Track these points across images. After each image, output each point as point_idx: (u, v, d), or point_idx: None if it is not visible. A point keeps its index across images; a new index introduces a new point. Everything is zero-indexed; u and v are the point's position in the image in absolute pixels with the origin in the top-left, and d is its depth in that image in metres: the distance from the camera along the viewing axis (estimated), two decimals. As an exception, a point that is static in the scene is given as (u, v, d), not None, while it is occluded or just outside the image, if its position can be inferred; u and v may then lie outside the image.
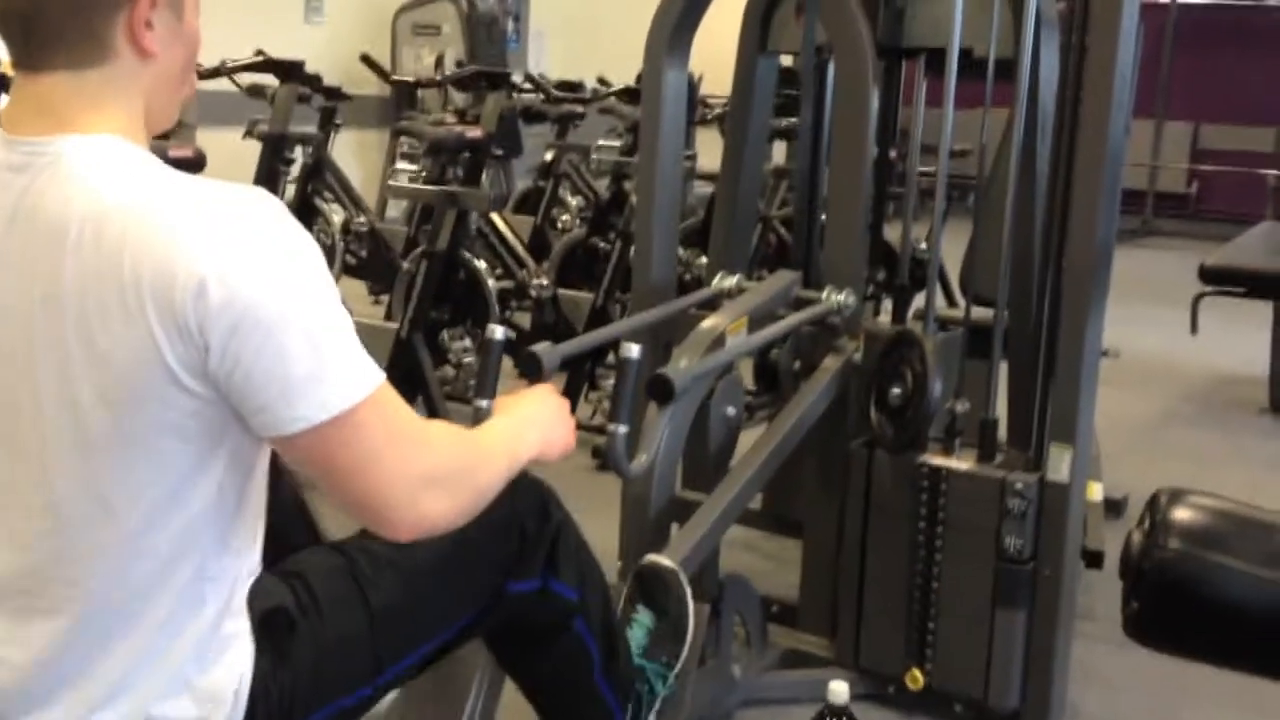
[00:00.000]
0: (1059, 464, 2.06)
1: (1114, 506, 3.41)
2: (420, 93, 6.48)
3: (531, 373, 1.81)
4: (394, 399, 1.21)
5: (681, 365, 1.95)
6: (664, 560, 1.82)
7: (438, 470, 1.25)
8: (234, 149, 4.73)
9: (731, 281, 2.44)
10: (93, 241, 1.13)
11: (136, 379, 1.13)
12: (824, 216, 2.47)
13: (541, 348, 1.86)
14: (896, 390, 2.16)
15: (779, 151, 5.76)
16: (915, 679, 2.19)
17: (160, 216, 1.13)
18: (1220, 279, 4.65)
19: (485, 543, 1.51)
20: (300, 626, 1.35)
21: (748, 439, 2.20)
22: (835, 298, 2.28)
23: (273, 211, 1.17)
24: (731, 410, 2.17)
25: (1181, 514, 1.26)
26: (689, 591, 1.80)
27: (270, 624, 1.33)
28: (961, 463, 2.16)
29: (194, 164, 4.21)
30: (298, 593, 1.37)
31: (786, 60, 2.85)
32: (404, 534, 1.25)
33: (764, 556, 3.00)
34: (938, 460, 2.16)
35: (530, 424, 1.47)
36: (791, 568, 2.56)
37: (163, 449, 1.16)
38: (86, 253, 1.13)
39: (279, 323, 1.12)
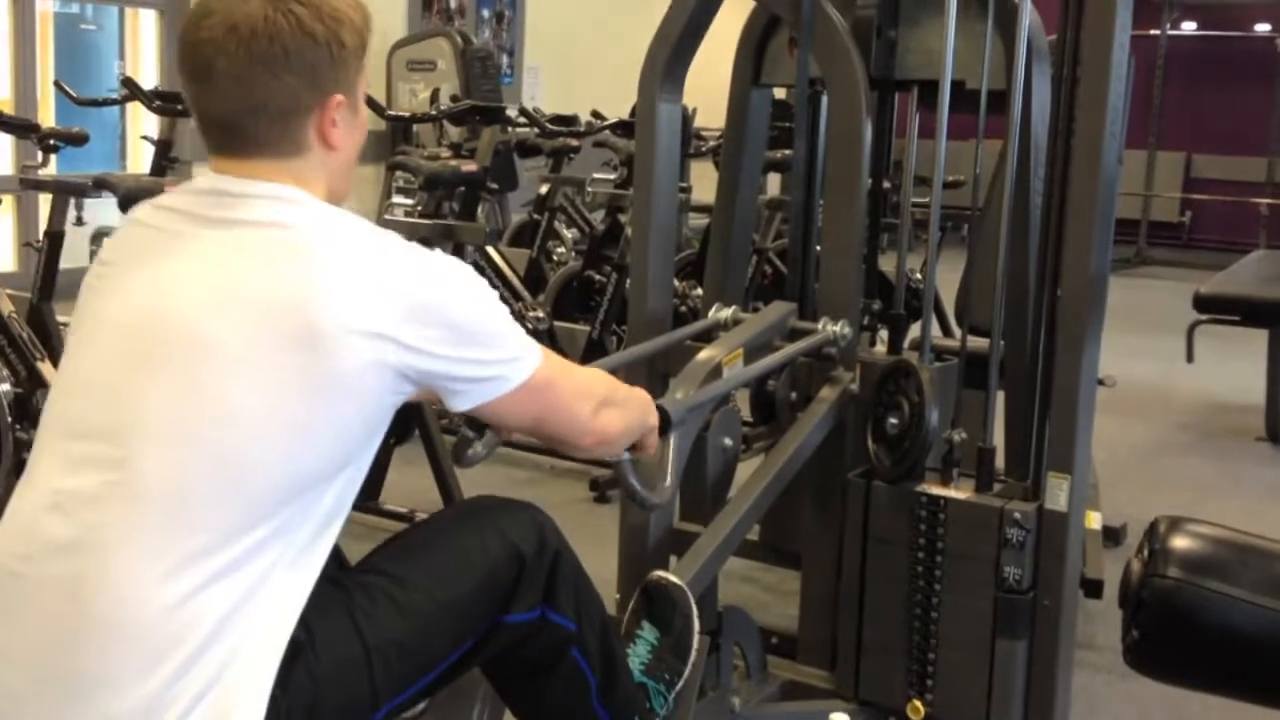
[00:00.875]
0: (1057, 493, 2.06)
1: (1112, 535, 3.41)
2: (415, 127, 6.51)
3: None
4: (555, 355, 1.54)
5: (678, 396, 1.96)
6: (671, 576, 1.82)
7: (605, 395, 1.59)
8: (230, 184, 4.74)
9: (727, 313, 2.44)
10: (320, 259, 1.33)
11: (349, 382, 1.33)
12: (819, 248, 2.47)
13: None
14: (894, 420, 2.16)
15: (774, 183, 5.79)
16: (916, 710, 2.18)
17: (363, 246, 1.37)
18: (1215, 307, 4.67)
19: (483, 573, 1.52)
20: (298, 660, 1.35)
21: (745, 470, 2.20)
22: (831, 328, 2.29)
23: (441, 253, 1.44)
24: (729, 441, 2.17)
25: (1180, 542, 1.26)
26: (695, 609, 1.80)
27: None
28: (960, 492, 2.16)
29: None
30: (294, 627, 1.37)
31: (780, 93, 2.87)
32: (589, 444, 1.59)
33: (762, 588, 2.99)
34: (936, 490, 2.16)
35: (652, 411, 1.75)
36: (790, 599, 2.55)
37: (338, 427, 1.35)
38: (297, 268, 1.33)
39: (472, 327, 1.40)
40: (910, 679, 2.19)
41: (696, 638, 1.80)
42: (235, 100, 1.37)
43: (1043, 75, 2.25)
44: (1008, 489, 2.17)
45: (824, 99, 2.49)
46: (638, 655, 1.77)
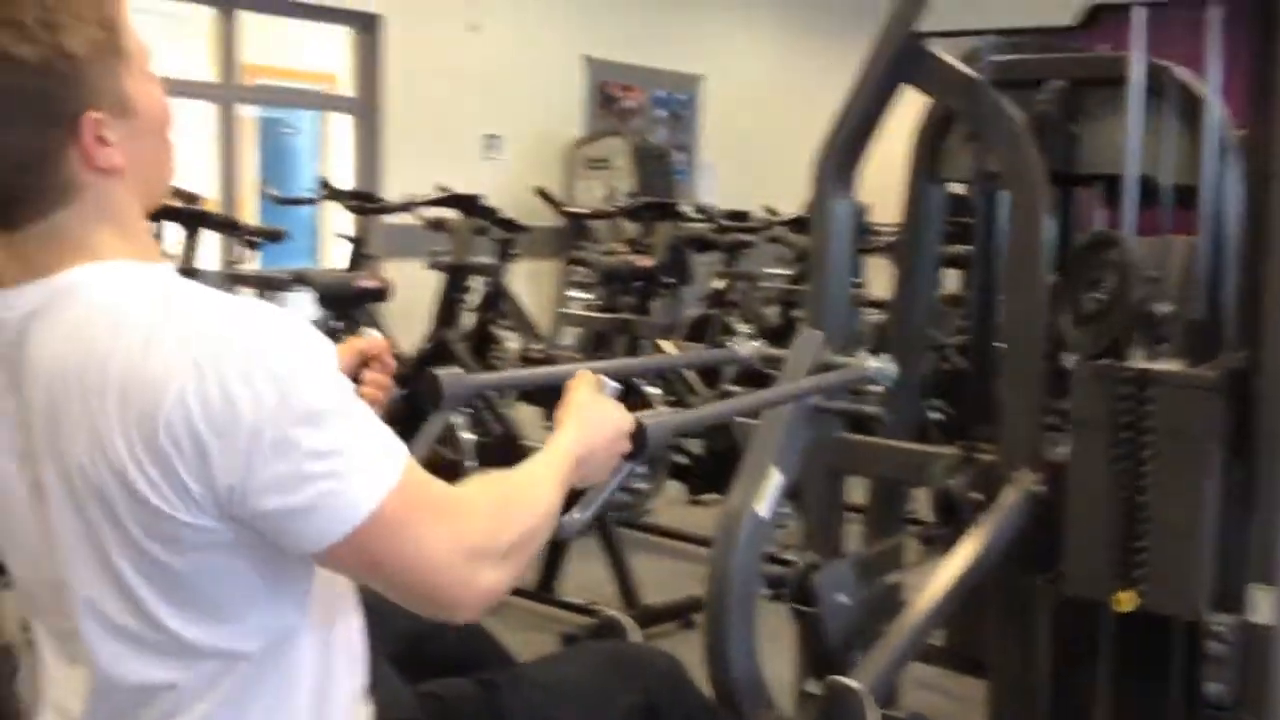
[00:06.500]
0: (1261, 605, 1.95)
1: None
2: (592, 223, 6.66)
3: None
4: (419, 480, 1.16)
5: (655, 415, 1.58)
6: (849, 682, 1.78)
7: (484, 538, 1.18)
8: (417, 279, 4.94)
9: (751, 347, 2.26)
10: (79, 390, 1.09)
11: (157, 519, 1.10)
12: (999, 344, 2.43)
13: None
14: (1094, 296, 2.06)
15: (952, 278, 5.71)
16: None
17: (138, 357, 1.07)
18: None
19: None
20: None
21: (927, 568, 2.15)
22: (870, 362, 2.06)
23: (260, 328, 1.09)
24: (845, 599, 1.93)
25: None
26: (873, 714, 1.75)
27: None
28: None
29: (379, 294, 4.42)
30: (434, 716, 1.38)
31: (956, 187, 2.85)
32: (469, 613, 1.20)
33: (946, 696, 2.90)
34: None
35: (577, 433, 1.38)
36: (975, 707, 2.47)
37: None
38: (76, 401, 1.09)
39: (281, 447, 1.07)
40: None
41: None
42: None
43: (1232, 169, 2.18)
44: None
45: (1002, 194, 2.46)
46: None
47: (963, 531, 2.24)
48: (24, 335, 1.12)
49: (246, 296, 1.18)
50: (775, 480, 1.90)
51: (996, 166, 2.39)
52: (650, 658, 1.61)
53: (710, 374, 4.91)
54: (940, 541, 2.39)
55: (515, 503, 1.25)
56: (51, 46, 1.06)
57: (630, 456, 1.46)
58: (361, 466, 1.10)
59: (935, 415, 4.52)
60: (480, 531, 1.18)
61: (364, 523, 1.09)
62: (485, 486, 1.24)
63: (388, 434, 1.15)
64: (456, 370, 1.75)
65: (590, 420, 1.40)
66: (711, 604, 1.82)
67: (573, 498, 1.40)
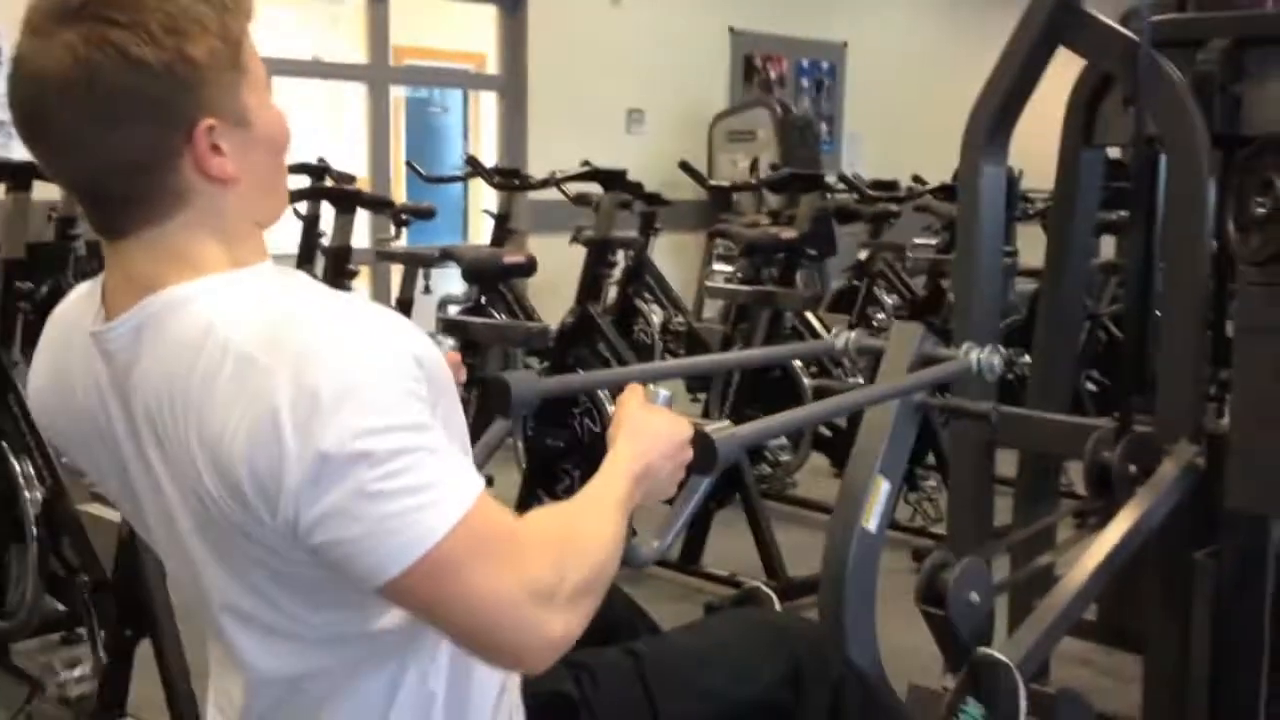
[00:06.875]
0: None
1: None
2: (736, 196, 6.65)
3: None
4: (486, 515, 1.10)
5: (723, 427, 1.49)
6: (998, 654, 1.76)
7: (550, 577, 1.12)
8: (561, 254, 5.01)
9: (849, 337, 2.17)
10: (171, 420, 1.11)
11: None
12: (1158, 313, 2.35)
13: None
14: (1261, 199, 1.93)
15: (1108, 246, 5.55)
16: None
17: (210, 384, 1.08)
18: None
19: (760, 693, 1.48)
20: (580, 716, 1.37)
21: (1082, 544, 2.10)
22: (974, 354, 1.93)
23: (335, 349, 1.07)
24: (976, 597, 1.78)
25: None
26: (1023, 688, 1.73)
27: (552, 707, 1.35)
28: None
29: (524, 269, 4.50)
30: (582, 684, 1.39)
31: (1113, 151, 2.76)
32: (538, 661, 1.14)
33: (1099, 672, 2.84)
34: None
35: (632, 450, 1.32)
36: (1129, 683, 2.41)
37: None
38: (171, 431, 1.12)
39: (334, 484, 1.04)
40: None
41: (1024, 716, 1.73)
42: (72, 168, 1.14)
43: None
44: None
45: (1161, 158, 2.38)
46: None
47: (1118, 506, 2.19)
48: (129, 366, 1.15)
49: (355, 301, 1.15)
50: (883, 491, 1.81)
51: (1156, 130, 2.31)
52: (796, 626, 1.61)
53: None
54: (1095, 516, 2.34)
55: (579, 536, 1.19)
56: (174, 51, 1.08)
57: (697, 468, 1.39)
58: (419, 504, 1.06)
59: (1091, 386, 4.41)
60: (547, 569, 1.12)
61: (420, 560, 1.06)
62: (546, 521, 1.20)
63: (456, 466, 1.10)
64: (526, 374, 1.71)
65: (643, 434, 1.34)
66: (827, 630, 1.80)
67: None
